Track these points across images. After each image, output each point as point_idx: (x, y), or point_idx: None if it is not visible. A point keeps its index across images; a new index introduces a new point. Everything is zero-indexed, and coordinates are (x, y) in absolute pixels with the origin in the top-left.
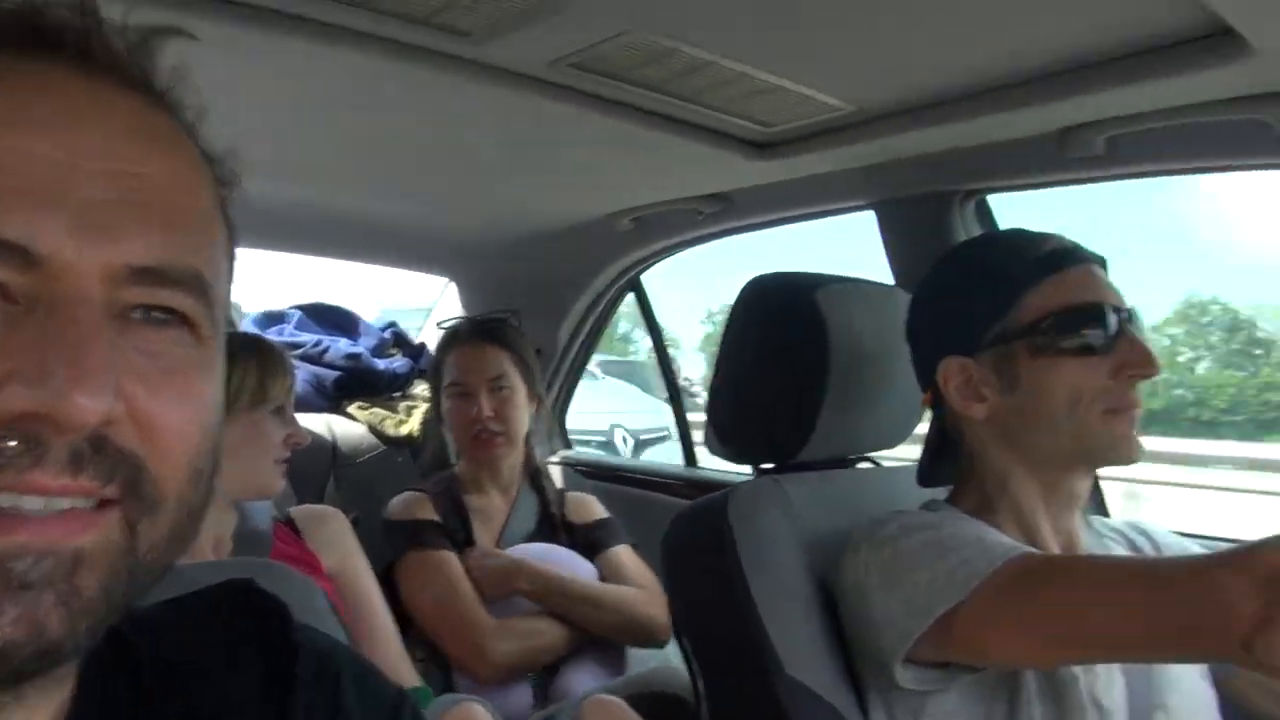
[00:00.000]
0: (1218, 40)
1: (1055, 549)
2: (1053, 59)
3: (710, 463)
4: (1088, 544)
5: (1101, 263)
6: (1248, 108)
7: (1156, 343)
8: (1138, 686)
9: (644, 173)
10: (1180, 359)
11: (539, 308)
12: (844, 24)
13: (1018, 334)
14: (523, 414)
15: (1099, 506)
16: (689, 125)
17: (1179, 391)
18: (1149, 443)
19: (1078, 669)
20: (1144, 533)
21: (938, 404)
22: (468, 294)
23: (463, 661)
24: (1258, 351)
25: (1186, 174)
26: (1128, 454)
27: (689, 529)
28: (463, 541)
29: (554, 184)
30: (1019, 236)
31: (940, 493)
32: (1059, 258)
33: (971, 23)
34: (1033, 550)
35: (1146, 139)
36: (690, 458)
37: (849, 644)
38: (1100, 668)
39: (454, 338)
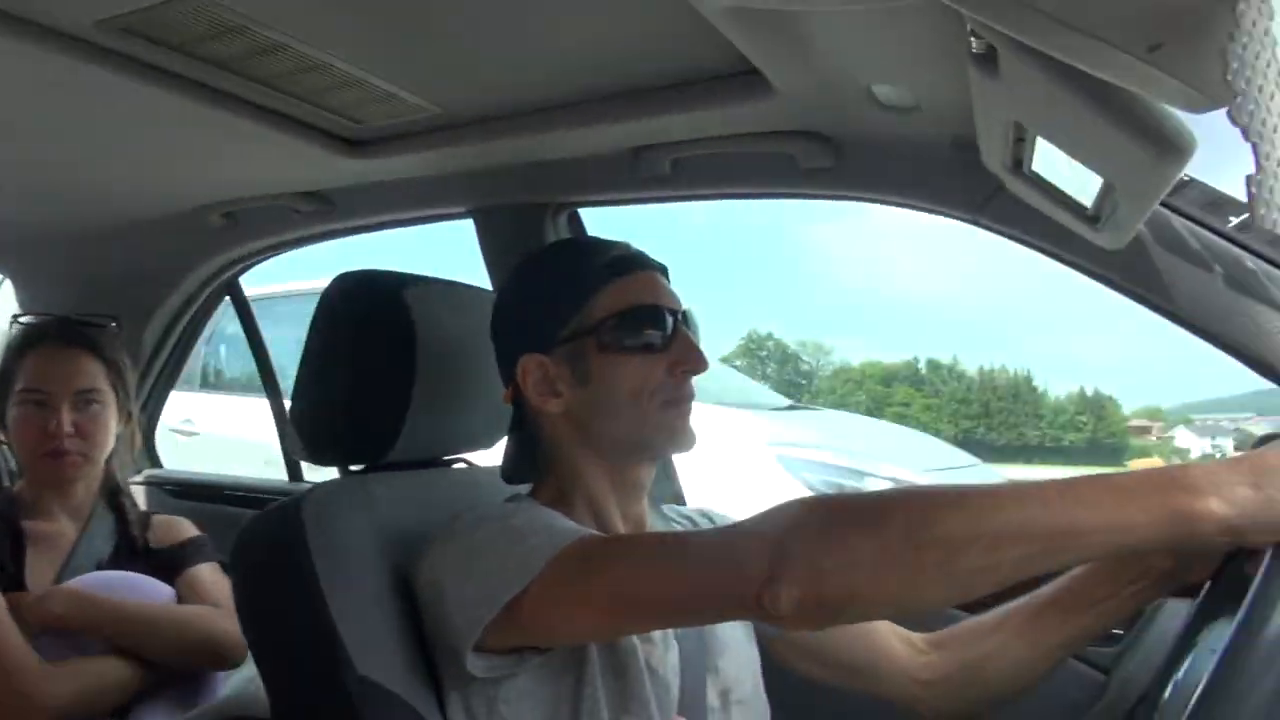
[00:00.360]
0: (747, 79)
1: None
2: (619, 81)
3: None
4: (655, 528)
5: (663, 270)
6: (776, 143)
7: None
8: (690, 652)
9: (230, 163)
10: None
11: (118, 310)
12: (421, 23)
13: (588, 331)
14: (110, 432)
15: (676, 496)
16: (273, 113)
17: None
18: None
19: (637, 640)
20: (708, 516)
21: (518, 401)
22: (25, 291)
23: (2, 713)
24: (802, 381)
25: (738, 198)
26: (682, 442)
27: (259, 532)
28: (13, 575)
29: (125, 169)
30: (592, 243)
31: (526, 489)
32: (626, 263)
33: (537, 38)
34: (596, 533)
35: (704, 163)
36: (295, 472)
37: (428, 641)
38: (657, 637)
39: (37, 338)
